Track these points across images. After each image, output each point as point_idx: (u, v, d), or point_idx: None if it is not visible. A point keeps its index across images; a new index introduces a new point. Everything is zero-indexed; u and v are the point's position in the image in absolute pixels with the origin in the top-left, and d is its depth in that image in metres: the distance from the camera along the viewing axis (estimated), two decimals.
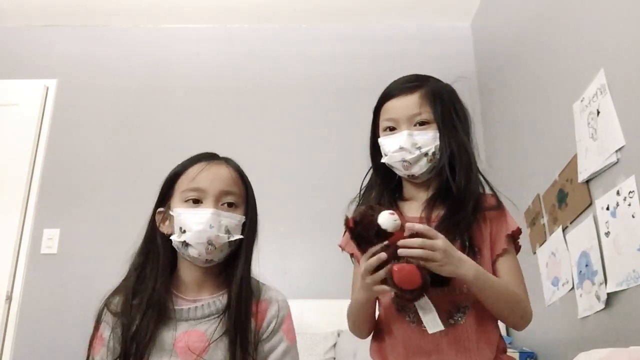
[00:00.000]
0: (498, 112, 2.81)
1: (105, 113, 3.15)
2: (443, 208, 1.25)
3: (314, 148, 3.04)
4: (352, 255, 1.32)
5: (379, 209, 1.07)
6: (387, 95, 1.32)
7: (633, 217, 1.51)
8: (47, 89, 3.16)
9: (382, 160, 1.30)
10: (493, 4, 2.95)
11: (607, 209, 1.65)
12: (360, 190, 1.38)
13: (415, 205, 1.29)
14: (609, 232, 1.64)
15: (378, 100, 1.34)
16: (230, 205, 1.19)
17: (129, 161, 3.02)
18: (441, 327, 1.07)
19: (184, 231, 1.16)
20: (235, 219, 1.19)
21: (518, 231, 1.26)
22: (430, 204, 1.25)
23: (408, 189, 1.33)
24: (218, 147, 1.32)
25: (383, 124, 1.31)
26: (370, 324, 1.25)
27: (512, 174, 2.55)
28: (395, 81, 1.34)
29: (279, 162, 2.99)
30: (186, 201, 1.18)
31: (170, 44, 3.31)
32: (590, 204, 1.76)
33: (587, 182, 1.79)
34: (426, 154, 1.25)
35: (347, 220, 1.07)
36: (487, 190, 1.29)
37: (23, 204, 2.90)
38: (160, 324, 1.12)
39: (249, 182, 1.27)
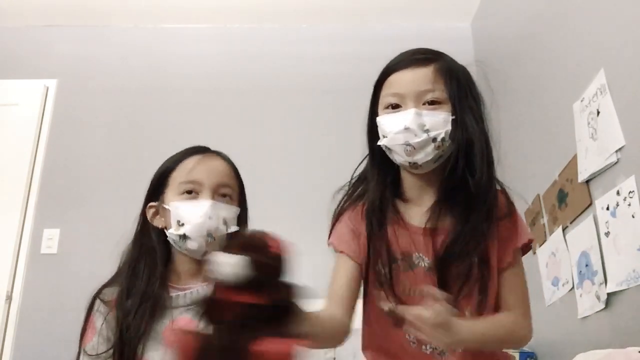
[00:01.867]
0: (498, 112, 2.80)
1: (105, 113, 3.15)
2: (452, 215, 1.07)
3: (314, 148, 3.03)
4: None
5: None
6: (393, 66, 1.13)
7: (633, 217, 1.51)
8: (47, 89, 3.15)
9: (380, 143, 1.10)
10: (493, 4, 2.95)
11: (607, 209, 1.65)
12: (351, 180, 1.20)
13: (418, 212, 1.10)
14: (609, 232, 1.64)
15: (381, 73, 1.15)
16: (224, 197, 1.20)
17: (129, 161, 3.02)
18: None
19: (182, 224, 1.15)
20: (232, 210, 1.19)
21: (528, 245, 1.12)
22: (437, 211, 1.08)
23: (409, 185, 1.13)
24: (218, 146, 1.32)
25: (385, 99, 1.11)
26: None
27: (512, 174, 2.55)
28: (403, 52, 1.15)
29: (279, 162, 2.99)
30: (182, 194, 1.18)
31: (170, 44, 3.31)
32: (590, 204, 1.76)
33: (587, 182, 1.79)
34: (434, 139, 1.05)
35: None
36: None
37: (23, 204, 2.90)
38: (155, 316, 1.12)
39: (241, 177, 1.28)
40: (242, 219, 1.23)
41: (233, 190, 1.22)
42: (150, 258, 1.18)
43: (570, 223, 1.91)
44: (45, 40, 3.30)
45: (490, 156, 1.10)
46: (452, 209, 1.07)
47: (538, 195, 2.22)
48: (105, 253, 2.84)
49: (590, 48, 1.82)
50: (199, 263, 1.19)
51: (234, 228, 1.18)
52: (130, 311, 1.11)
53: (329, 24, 3.31)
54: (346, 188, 1.19)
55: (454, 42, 3.33)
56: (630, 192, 1.53)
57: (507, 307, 1.09)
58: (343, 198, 1.18)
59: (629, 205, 1.53)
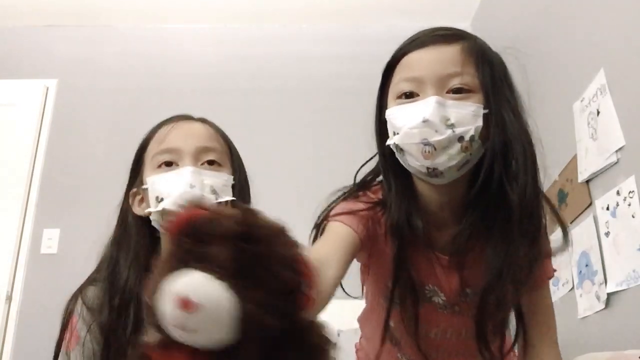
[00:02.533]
0: None
1: (106, 113, 3.15)
2: (486, 243, 0.84)
3: (314, 148, 3.03)
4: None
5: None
6: (409, 45, 0.87)
7: (633, 217, 1.51)
8: (47, 89, 3.15)
9: (389, 142, 0.85)
10: (493, 4, 2.95)
11: (607, 209, 1.65)
12: (355, 182, 0.96)
13: (438, 236, 0.88)
14: (609, 232, 1.64)
15: (393, 55, 0.89)
16: (211, 163, 1.00)
17: (130, 161, 3.01)
18: None
19: (161, 199, 0.97)
20: (220, 177, 0.99)
21: (551, 274, 0.97)
22: (463, 239, 0.85)
23: (427, 197, 0.88)
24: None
25: (398, 87, 0.85)
26: None
27: None
28: (422, 30, 0.89)
29: (279, 161, 2.99)
30: (159, 167, 1.00)
31: (170, 44, 3.31)
32: (590, 204, 1.76)
33: (587, 182, 1.79)
34: (461, 138, 0.80)
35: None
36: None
37: (23, 204, 2.90)
38: (140, 323, 0.96)
39: (232, 142, 1.10)
40: (239, 188, 1.03)
41: (221, 154, 1.02)
42: (133, 253, 1.01)
43: (570, 223, 1.91)
44: (45, 40, 3.30)
45: (534, 162, 0.85)
46: (487, 235, 0.84)
47: None
48: None
49: (590, 48, 1.82)
50: None
51: (227, 197, 0.98)
52: (114, 315, 0.97)
53: (329, 24, 3.31)
54: (344, 191, 0.96)
55: None
56: (630, 192, 1.53)
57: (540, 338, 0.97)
58: (338, 198, 0.95)
59: (629, 205, 1.53)
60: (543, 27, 2.25)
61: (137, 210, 1.05)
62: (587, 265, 1.76)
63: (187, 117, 1.09)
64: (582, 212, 1.82)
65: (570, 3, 1.98)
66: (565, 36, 2.03)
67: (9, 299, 2.73)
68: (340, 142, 2.97)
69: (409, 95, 0.84)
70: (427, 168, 0.81)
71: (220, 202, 0.97)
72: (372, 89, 1.38)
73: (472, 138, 0.81)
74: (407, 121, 0.81)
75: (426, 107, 0.80)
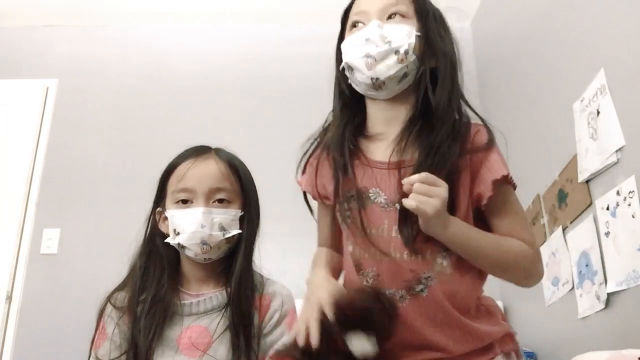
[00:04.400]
0: (498, 112, 2.81)
1: (105, 113, 3.15)
2: (419, 146, 0.99)
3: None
4: (308, 201, 1.17)
5: (348, 323, 0.83)
6: None
7: (633, 217, 1.51)
8: (47, 89, 3.15)
9: (343, 63, 1.07)
10: (493, 4, 2.95)
11: (607, 209, 1.65)
12: (323, 128, 1.17)
13: (382, 146, 1.04)
14: (609, 232, 1.64)
15: (348, 4, 1.16)
16: (222, 201, 1.16)
17: (129, 161, 3.02)
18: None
19: (178, 233, 1.14)
20: (229, 214, 1.15)
21: (509, 180, 1.03)
22: (402, 142, 1.00)
23: (374, 120, 1.07)
24: (218, 147, 1.31)
25: (350, 21, 1.11)
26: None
27: (512, 173, 2.55)
28: None
29: (279, 161, 2.98)
30: (177, 202, 1.16)
31: (170, 44, 3.31)
32: (590, 204, 1.76)
33: (587, 182, 1.79)
34: (397, 51, 1.00)
35: (303, 339, 0.83)
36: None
37: (23, 204, 2.90)
38: (165, 319, 1.11)
39: (245, 174, 1.23)
40: (247, 219, 1.19)
41: (231, 193, 1.18)
42: (159, 262, 1.17)
43: (570, 223, 1.91)
44: (45, 40, 3.30)
45: (455, 77, 1.04)
46: (418, 138, 1.00)
47: (538, 195, 2.22)
48: (105, 253, 2.86)
49: (590, 48, 1.82)
50: (206, 268, 1.18)
51: (234, 231, 1.16)
52: (141, 316, 1.10)
53: (329, 24, 3.29)
54: (315, 137, 1.16)
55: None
56: (630, 192, 1.53)
57: (508, 234, 1.00)
58: (311, 144, 1.16)
59: (629, 205, 1.53)
60: (543, 27, 2.25)
61: (162, 227, 1.20)
62: (587, 265, 1.76)
63: (204, 152, 1.22)
64: (582, 212, 1.82)
65: (570, 3, 1.98)
66: (565, 36, 2.03)
67: (9, 299, 2.73)
68: None
69: (357, 25, 1.07)
70: (371, 79, 1.01)
71: (227, 237, 1.15)
72: None
73: (406, 52, 1.00)
74: (354, 43, 1.04)
75: (368, 30, 1.03)
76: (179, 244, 1.14)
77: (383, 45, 1.00)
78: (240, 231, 1.17)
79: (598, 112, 1.72)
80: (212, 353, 1.09)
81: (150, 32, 3.34)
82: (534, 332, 2.25)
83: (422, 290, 0.98)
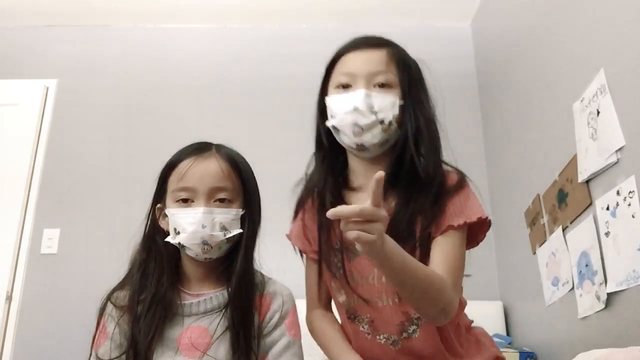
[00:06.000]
0: (498, 112, 2.81)
1: (105, 113, 3.15)
2: (396, 197, 1.06)
3: (313, 148, 3.03)
4: (301, 252, 1.22)
5: None
6: (347, 47, 1.16)
7: (633, 217, 1.51)
8: (47, 89, 3.15)
9: (329, 123, 1.12)
10: (493, 4, 2.95)
11: (607, 209, 1.65)
12: (306, 175, 1.23)
13: (364, 197, 1.00)
14: (609, 232, 1.64)
15: (334, 54, 1.18)
16: (223, 201, 1.14)
17: (129, 161, 3.02)
18: None
19: (178, 232, 1.13)
20: (230, 214, 1.14)
21: (481, 222, 1.06)
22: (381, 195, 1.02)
23: (355, 173, 1.14)
24: (219, 143, 1.30)
25: (336, 79, 1.13)
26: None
27: (512, 174, 2.55)
28: (356, 37, 1.17)
29: (279, 161, 2.99)
30: (177, 201, 1.14)
31: (170, 44, 3.31)
32: (590, 204, 1.76)
33: (587, 182, 1.79)
34: (382, 122, 1.06)
35: None
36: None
37: (23, 204, 2.90)
38: (166, 320, 1.10)
39: (247, 172, 1.21)
40: (248, 218, 1.17)
41: (232, 192, 1.15)
42: (159, 260, 1.15)
43: (570, 223, 1.91)
44: (45, 40, 3.30)
45: (437, 143, 1.10)
46: (398, 192, 1.07)
47: (538, 195, 2.22)
48: (105, 253, 2.86)
49: (590, 48, 1.82)
50: (206, 266, 1.17)
51: (235, 231, 1.14)
52: (141, 316, 1.09)
53: (329, 24, 3.31)
54: (303, 179, 1.22)
55: (454, 42, 3.34)
56: (630, 192, 1.53)
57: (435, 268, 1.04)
58: (302, 191, 1.21)
59: (629, 205, 1.53)
60: (543, 27, 2.25)
61: (162, 224, 1.18)
62: (587, 265, 1.76)
63: (205, 150, 1.20)
64: (582, 212, 1.82)
65: (571, 3, 1.98)
66: (565, 36, 2.03)
67: (9, 299, 2.73)
68: None
69: (345, 86, 1.11)
70: (357, 144, 1.08)
71: (228, 237, 1.13)
72: None
73: (389, 122, 1.07)
74: (342, 107, 1.08)
75: (357, 97, 1.06)
76: (179, 243, 1.13)
77: (370, 116, 1.05)
78: (241, 231, 1.15)
79: (598, 112, 1.72)
80: (212, 353, 1.09)
81: (150, 32, 3.34)
82: (534, 332, 2.25)
83: (414, 332, 1.05)
